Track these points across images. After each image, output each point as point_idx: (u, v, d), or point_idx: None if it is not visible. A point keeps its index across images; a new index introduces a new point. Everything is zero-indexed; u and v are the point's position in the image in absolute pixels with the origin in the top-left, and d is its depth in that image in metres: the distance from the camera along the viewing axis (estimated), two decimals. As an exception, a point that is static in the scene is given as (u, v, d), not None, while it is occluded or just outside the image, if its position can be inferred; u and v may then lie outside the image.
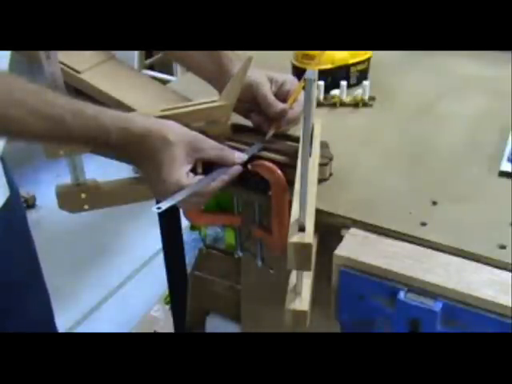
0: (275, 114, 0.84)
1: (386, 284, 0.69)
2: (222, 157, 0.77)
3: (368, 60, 1.10)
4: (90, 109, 0.69)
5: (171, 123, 0.74)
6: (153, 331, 1.78)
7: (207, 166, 0.78)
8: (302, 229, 0.63)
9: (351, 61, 1.08)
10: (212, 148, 0.76)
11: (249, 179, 0.80)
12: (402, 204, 0.79)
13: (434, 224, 0.75)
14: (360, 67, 1.09)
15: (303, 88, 0.76)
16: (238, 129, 0.87)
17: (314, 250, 0.66)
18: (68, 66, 0.91)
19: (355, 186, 0.83)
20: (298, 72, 1.06)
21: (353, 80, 1.09)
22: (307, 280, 0.71)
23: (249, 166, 0.79)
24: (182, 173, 0.72)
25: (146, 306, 1.90)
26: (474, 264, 0.70)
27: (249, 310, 1.10)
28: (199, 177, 0.75)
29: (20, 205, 1.01)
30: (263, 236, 0.87)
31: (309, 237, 0.62)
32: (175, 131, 0.73)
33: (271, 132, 0.85)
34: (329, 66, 1.06)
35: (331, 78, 1.06)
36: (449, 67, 1.19)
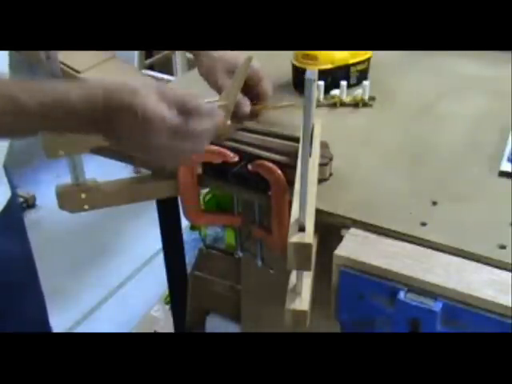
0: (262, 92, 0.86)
1: (385, 284, 0.69)
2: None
3: (368, 60, 1.10)
4: (46, 84, 0.64)
5: (129, 78, 0.70)
6: (153, 331, 1.78)
7: (207, 166, 0.78)
8: (302, 229, 0.63)
9: (351, 61, 1.08)
10: (181, 92, 0.68)
11: (249, 179, 0.80)
12: (402, 204, 0.79)
13: (434, 224, 0.75)
14: (360, 67, 1.09)
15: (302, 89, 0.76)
16: (238, 129, 0.87)
17: (314, 249, 0.66)
18: (68, 66, 0.91)
19: (355, 186, 0.83)
20: (298, 72, 1.06)
21: (353, 80, 1.09)
22: (307, 280, 0.71)
23: (249, 166, 0.79)
24: (163, 107, 0.64)
25: (146, 306, 1.90)
26: (473, 264, 0.70)
27: (249, 309, 1.10)
28: None
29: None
30: (263, 236, 0.87)
31: (309, 237, 0.62)
32: (137, 81, 0.66)
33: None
34: (329, 66, 1.06)
35: (331, 77, 1.06)
36: (449, 67, 1.19)
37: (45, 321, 1.07)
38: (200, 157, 0.81)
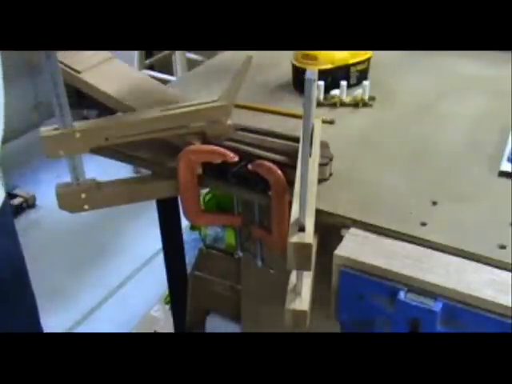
0: None
1: (385, 284, 0.69)
2: None
3: (368, 60, 1.11)
4: None
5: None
6: (153, 331, 1.78)
7: (207, 166, 0.78)
8: (301, 229, 0.63)
9: (351, 61, 1.08)
10: None
11: (249, 179, 0.80)
12: (402, 204, 0.79)
13: (434, 224, 0.75)
14: (360, 67, 1.09)
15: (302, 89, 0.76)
16: (238, 129, 0.87)
17: (314, 249, 0.66)
18: (68, 66, 0.91)
19: (355, 186, 0.83)
20: (298, 72, 1.06)
21: (353, 80, 1.09)
22: (307, 280, 0.71)
23: (249, 166, 0.79)
24: None
25: (146, 306, 1.90)
26: (474, 264, 0.70)
27: (249, 309, 1.10)
28: None
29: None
30: (263, 236, 0.86)
31: (309, 237, 0.62)
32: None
33: None
34: (329, 66, 1.06)
35: (331, 77, 1.06)
36: (449, 67, 1.19)
37: (36, 323, 1.06)
38: (200, 157, 0.81)
